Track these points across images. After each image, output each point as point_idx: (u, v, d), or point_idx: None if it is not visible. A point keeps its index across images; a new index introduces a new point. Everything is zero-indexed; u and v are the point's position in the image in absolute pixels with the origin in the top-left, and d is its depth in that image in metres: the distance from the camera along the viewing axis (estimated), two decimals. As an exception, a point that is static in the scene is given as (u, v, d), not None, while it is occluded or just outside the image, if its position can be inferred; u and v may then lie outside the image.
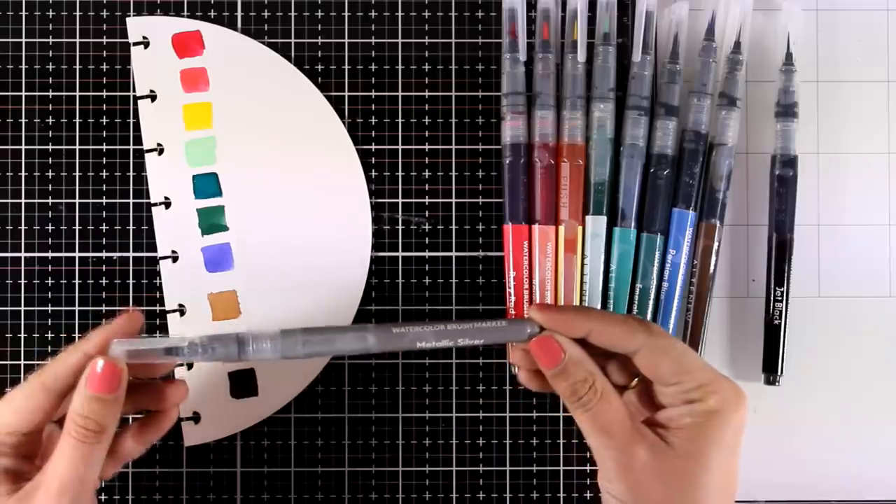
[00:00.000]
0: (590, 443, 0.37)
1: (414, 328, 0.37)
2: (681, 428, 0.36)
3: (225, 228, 0.46)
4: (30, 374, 0.37)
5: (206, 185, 0.46)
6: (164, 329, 0.46)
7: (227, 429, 0.46)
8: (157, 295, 0.46)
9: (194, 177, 0.46)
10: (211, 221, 0.46)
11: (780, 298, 0.45)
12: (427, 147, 0.47)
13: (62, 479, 0.35)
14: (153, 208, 0.46)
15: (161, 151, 0.46)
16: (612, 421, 0.36)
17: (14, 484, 0.36)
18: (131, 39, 0.47)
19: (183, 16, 0.47)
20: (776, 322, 0.45)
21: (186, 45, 0.47)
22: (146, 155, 0.46)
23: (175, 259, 0.46)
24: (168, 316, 0.46)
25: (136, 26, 0.47)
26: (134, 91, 0.47)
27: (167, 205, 0.46)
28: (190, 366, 0.46)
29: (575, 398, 0.37)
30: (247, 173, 0.46)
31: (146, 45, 0.47)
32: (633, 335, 0.37)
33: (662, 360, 0.36)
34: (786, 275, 0.45)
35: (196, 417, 0.46)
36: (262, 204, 0.46)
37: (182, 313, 0.46)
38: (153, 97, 0.46)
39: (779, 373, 0.45)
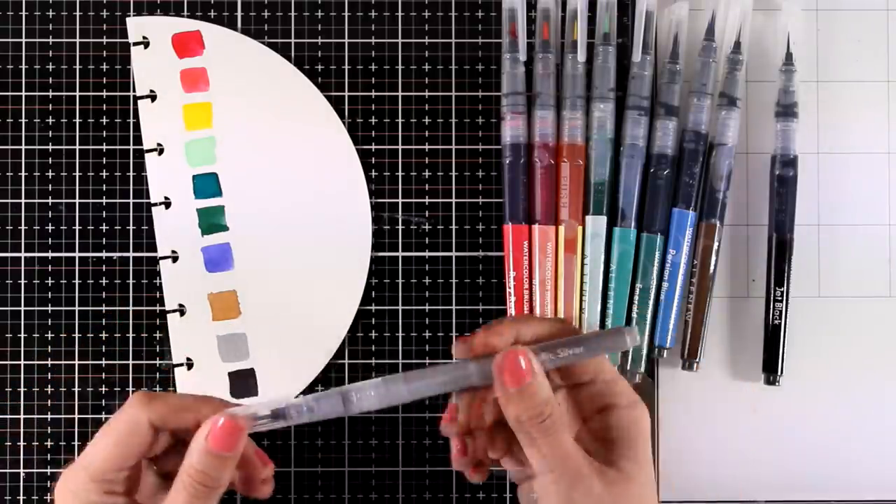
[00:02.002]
0: (541, 480, 0.35)
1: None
2: (612, 445, 0.35)
3: (225, 228, 0.46)
4: (132, 397, 0.36)
5: (206, 185, 0.46)
6: (164, 329, 0.46)
7: (227, 429, 0.46)
8: (157, 295, 0.46)
9: (194, 177, 0.46)
10: (211, 221, 0.46)
11: (780, 298, 0.45)
12: (427, 147, 0.47)
13: None
14: (153, 208, 0.46)
15: (161, 151, 0.46)
16: (570, 449, 0.34)
17: None
18: (131, 39, 0.47)
19: (183, 16, 0.47)
20: (776, 322, 0.45)
21: (186, 45, 0.47)
22: (146, 155, 0.46)
23: (175, 259, 0.46)
24: (168, 316, 0.46)
25: (136, 26, 0.47)
26: (134, 91, 0.47)
27: (167, 205, 0.46)
28: (190, 365, 0.46)
29: (538, 420, 0.34)
30: (247, 173, 0.46)
31: (146, 45, 0.47)
32: (553, 325, 0.36)
33: None
34: (786, 275, 0.45)
35: (196, 417, 0.46)
36: (262, 204, 0.46)
37: (182, 313, 0.46)
38: (153, 97, 0.46)
39: (779, 373, 0.45)
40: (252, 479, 0.39)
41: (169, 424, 0.36)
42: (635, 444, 0.36)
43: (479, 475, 0.38)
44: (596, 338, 0.36)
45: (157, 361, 0.46)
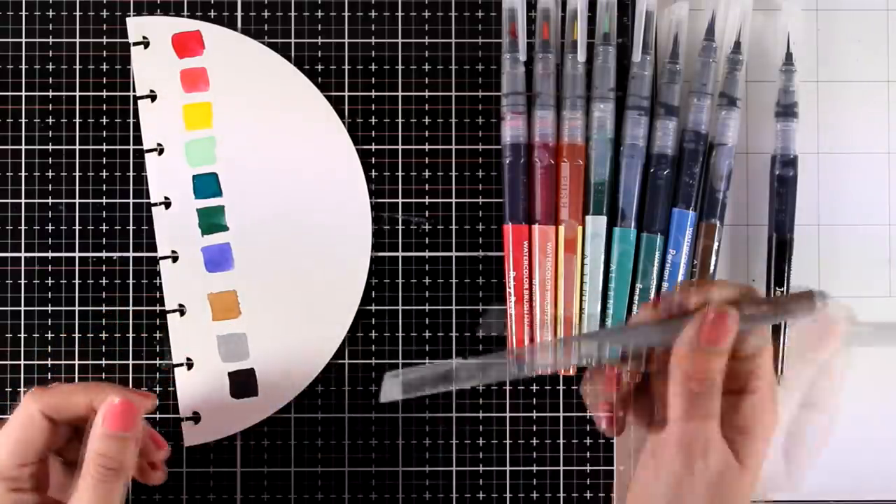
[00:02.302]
0: (668, 435, 0.35)
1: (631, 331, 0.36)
2: (741, 435, 0.36)
3: (225, 228, 0.46)
4: (24, 396, 0.37)
5: (206, 184, 0.46)
6: (164, 329, 0.46)
7: (226, 429, 0.46)
8: (157, 295, 0.46)
9: (194, 177, 0.46)
10: (211, 221, 0.46)
11: (780, 298, 0.45)
12: (427, 147, 0.47)
13: None
14: (153, 208, 0.46)
15: (161, 151, 0.46)
16: (712, 418, 0.35)
17: None
18: (131, 39, 0.47)
19: (183, 16, 0.47)
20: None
21: (186, 45, 0.46)
22: (146, 155, 0.46)
23: (175, 259, 0.46)
24: (168, 316, 0.46)
25: (136, 26, 0.47)
26: (134, 91, 0.47)
27: (167, 205, 0.46)
28: (190, 365, 0.46)
29: (708, 382, 0.35)
30: (247, 173, 0.46)
31: (146, 45, 0.47)
32: (742, 290, 0.36)
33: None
34: (786, 275, 0.45)
35: (196, 417, 0.46)
36: (262, 204, 0.46)
37: (182, 313, 0.46)
38: (153, 97, 0.46)
39: (779, 372, 0.45)
40: (144, 467, 0.40)
41: (63, 413, 0.37)
42: (761, 439, 0.36)
43: (618, 429, 0.39)
44: (785, 302, 0.35)
45: (157, 361, 0.46)
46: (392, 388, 0.36)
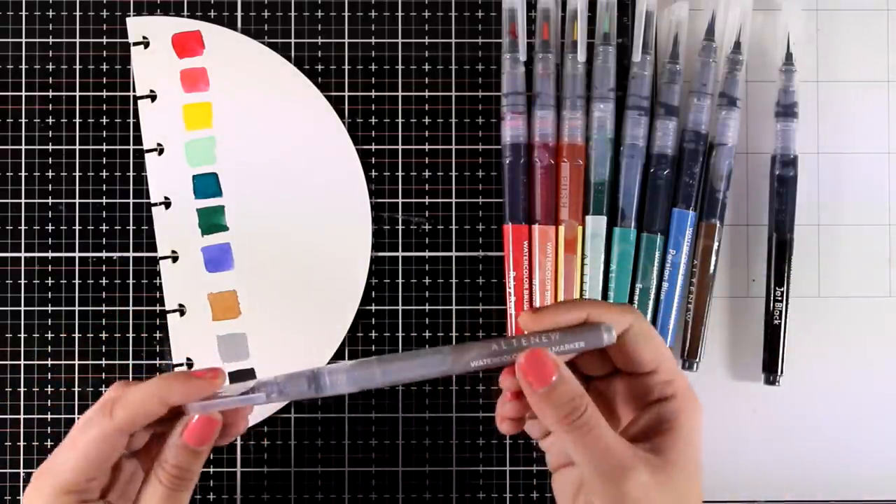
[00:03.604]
0: (586, 475, 0.34)
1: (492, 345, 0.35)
2: (661, 435, 0.35)
3: (225, 228, 0.46)
4: (98, 412, 0.35)
5: (206, 185, 0.46)
6: (164, 329, 0.46)
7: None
8: (157, 295, 0.46)
9: (194, 177, 0.46)
10: (211, 221, 0.46)
11: (780, 298, 0.45)
12: (427, 147, 0.47)
13: None
14: (153, 208, 0.46)
15: (161, 151, 0.46)
16: (610, 442, 0.34)
17: None
18: (131, 39, 0.47)
19: (183, 16, 0.47)
20: (776, 322, 0.45)
21: (186, 45, 0.47)
22: (146, 155, 0.46)
23: (175, 259, 0.46)
24: (168, 316, 0.46)
25: (136, 26, 0.47)
26: (134, 91, 0.47)
27: (167, 205, 0.46)
28: (190, 365, 0.46)
29: (572, 418, 0.34)
30: (247, 173, 0.46)
31: (146, 45, 0.47)
32: (624, 315, 0.35)
33: (647, 343, 0.35)
34: (786, 275, 0.45)
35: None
36: (263, 203, 0.46)
37: (182, 313, 0.46)
38: (153, 97, 0.46)
39: (779, 373, 0.45)
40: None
41: (137, 425, 0.36)
42: (683, 434, 0.35)
43: (511, 428, 0.38)
44: (578, 332, 0.35)
45: (157, 361, 0.46)
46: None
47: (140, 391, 0.36)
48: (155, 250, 0.46)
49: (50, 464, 0.36)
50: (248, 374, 0.46)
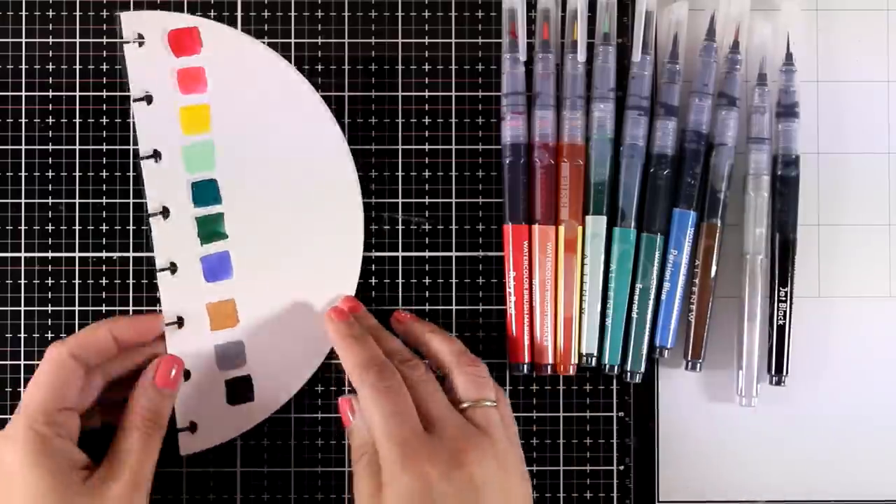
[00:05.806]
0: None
1: None
2: None
3: (224, 236, 0.45)
4: (49, 351, 0.40)
5: (206, 191, 0.45)
6: (160, 338, 0.46)
7: (223, 436, 0.45)
8: (157, 295, 0.46)
9: (193, 184, 0.45)
10: (210, 230, 0.45)
11: (783, 299, 0.45)
12: (427, 147, 0.47)
13: (136, 472, 0.39)
14: (151, 219, 0.45)
15: (158, 157, 0.45)
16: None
17: (82, 471, 0.38)
18: (125, 36, 0.45)
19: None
20: (780, 323, 0.45)
21: (183, 42, 0.45)
22: (142, 162, 0.45)
23: (174, 270, 0.45)
24: (166, 328, 0.45)
25: (130, 22, 0.45)
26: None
27: (165, 214, 0.45)
28: (187, 375, 0.45)
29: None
30: (246, 178, 0.45)
31: (140, 43, 0.45)
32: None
33: None
34: (789, 275, 0.45)
35: (193, 427, 0.45)
36: (262, 209, 0.45)
37: (180, 325, 0.45)
38: (149, 99, 0.45)
39: (784, 373, 0.45)
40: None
41: (89, 349, 0.40)
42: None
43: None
44: None
45: (157, 361, 0.46)
46: None
47: (89, 325, 0.42)
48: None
49: (19, 408, 0.39)
50: (245, 380, 0.45)
